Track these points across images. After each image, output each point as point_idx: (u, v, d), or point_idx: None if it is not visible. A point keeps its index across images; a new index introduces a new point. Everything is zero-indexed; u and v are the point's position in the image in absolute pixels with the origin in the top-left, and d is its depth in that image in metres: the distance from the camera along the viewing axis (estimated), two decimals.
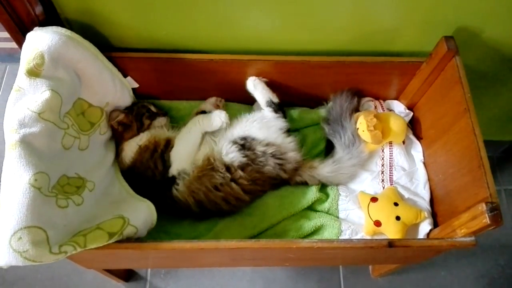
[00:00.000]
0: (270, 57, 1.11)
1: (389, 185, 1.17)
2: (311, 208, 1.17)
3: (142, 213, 1.00)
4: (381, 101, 1.27)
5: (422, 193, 1.14)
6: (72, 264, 1.00)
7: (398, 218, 1.07)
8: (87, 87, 1.04)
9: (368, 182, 1.18)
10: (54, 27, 0.97)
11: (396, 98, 1.27)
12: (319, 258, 1.09)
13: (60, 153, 0.94)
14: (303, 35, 1.11)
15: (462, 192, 0.99)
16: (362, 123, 1.15)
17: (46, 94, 0.91)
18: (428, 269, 1.52)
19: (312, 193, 1.16)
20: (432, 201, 1.13)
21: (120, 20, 1.05)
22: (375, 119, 1.13)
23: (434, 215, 1.11)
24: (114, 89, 1.10)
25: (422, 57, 1.11)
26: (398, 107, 1.26)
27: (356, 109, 1.23)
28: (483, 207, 0.85)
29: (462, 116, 0.99)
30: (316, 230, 1.12)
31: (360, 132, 1.16)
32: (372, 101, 1.26)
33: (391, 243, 0.92)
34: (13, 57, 1.77)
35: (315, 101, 1.24)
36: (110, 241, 0.88)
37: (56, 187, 0.89)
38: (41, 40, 0.94)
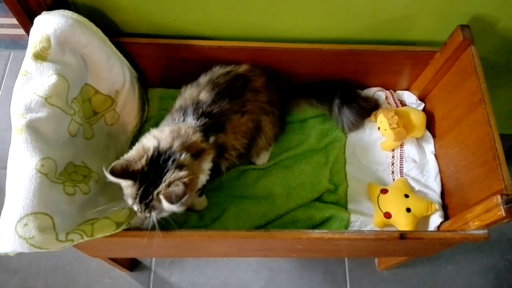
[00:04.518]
0: (280, 44, 1.09)
1: (399, 177, 1.15)
2: (320, 199, 1.15)
3: None
4: (392, 91, 1.24)
5: (433, 185, 1.12)
6: (76, 253, 0.98)
7: (408, 210, 1.05)
8: (94, 73, 1.01)
9: (377, 174, 1.17)
10: (61, 10, 0.94)
11: (407, 89, 1.25)
12: (327, 249, 1.08)
13: (67, 140, 0.92)
14: (315, 22, 1.08)
15: (475, 184, 0.97)
16: (383, 122, 1.13)
17: (53, 78, 0.89)
18: (435, 263, 1.50)
19: (321, 184, 1.14)
20: (443, 194, 1.11)
21: (129, 4, 1.02)
22: (396, 117, 1.11)
23: (445, 207, 1.09)
24: (123, 78, 1.07)
25: (436, 47, 1.09)
26: (410, 98, 1.24)
27: (372, 108, 1.21)
28: (498, 199, 0.83)
29: (477, 107, 0.97)
30: (324, 222, 1.10)
31: (382, 131, 1.14)
32: (383, 91, 1.24)
33: (402, 235, 0.90)
34: (17, 44, 1.75)
35: (323, 91, 1.21)
36: (117, 231, 0.86)
37: (64, 174, 0.87)
38: (47, 23, 0.91)
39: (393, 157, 1.18)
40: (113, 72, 1.04)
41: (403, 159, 1.17)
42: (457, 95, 1.06)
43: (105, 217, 0.87)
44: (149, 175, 0.83)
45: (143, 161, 0.84)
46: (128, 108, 1.13)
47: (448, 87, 1.10)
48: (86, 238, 0.82)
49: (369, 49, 1.10)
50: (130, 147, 0.90)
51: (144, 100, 1.21)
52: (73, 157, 0.93)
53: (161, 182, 0.82)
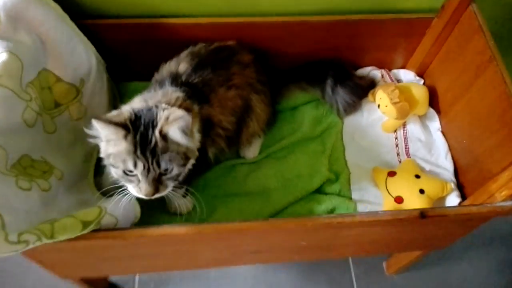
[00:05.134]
0: (265, 18, 0.98)
1: (406, 158, 1.03)
2: (320, 191, 1.02)
3: (121, 204, 0.83)
4: (387, 70, 1.15)
5: (444, 164, 1.01)
6: (39, 273, 0.82)
7: (422, 191, 0.93)
8: (53, 56, 0.88)
9: (381, 158, 1.05)
10: None
11: (403, 67, 1.15)
12: (334, 244, 0.94)
13: (21, 129, 0.77)
14: None
15: (494, 152, 0.86)
16: (383, 98, 1.02)
17: (3, 56, 0.75)
18: (447, 262, 1.37)
19: (320, 174, 1.02)
20: (456, 173, 1.00)
21: None
22: (397, 90, 1.01)
23: (460, 187, 0.98)
24: (88, 62, 0.94)
25: (432, 13, 1.00)
26: (407, 75, 1.14)
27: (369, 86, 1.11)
28: None
29: (487, 67, 0.87)
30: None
31: (382, 108, 1.03)
32: (378, 70, 1.14)
33: (423, 213, 0.77)
34: None
35: (314, 72, 1.10)
36: (84, 232, 0.71)
37: (16, 167, 0.73)
38: None
39: (396, 138, 1.07)
40: (75, 56, 0.91)
41: (408, 140, 1.06)
42: (461, 60, 0.96)
43: (69, 215, 0.72)
44: (139, 124, 0.70)
45: (127, 113, 0.71)
46: (96, 101, 0.99)
47: (449, 55, 1.01)
48: (44, 240, 0.66)
49: (361, 18, 1.01)
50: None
51: (115, 95, 1.07)
52: (30, 150, 0.78)
53: (157, 123, 0.70)
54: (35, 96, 0.82)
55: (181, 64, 0.88)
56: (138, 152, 0.69)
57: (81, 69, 0.93)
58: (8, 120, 0.74)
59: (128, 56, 1.03)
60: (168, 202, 0.94)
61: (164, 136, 0.70)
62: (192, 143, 0.73)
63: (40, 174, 0.78)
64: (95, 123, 0.68)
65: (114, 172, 0.74)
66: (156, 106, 0.73)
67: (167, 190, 0.75)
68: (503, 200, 0.79)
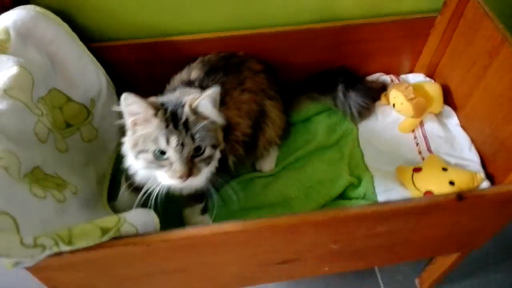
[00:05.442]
0: (270, 29, 1.00)
1: (428, 154, 1.00)
2: (344, 196, 0.98)
3: (140, 215, 0.79)
4: (396, 76, 1.14)
5: (469, 156, 0.97)
6: None
7: (452, 183, 0.89)
8: (63, 75, 0.88)
9: (403, 158, 1.01)
10: (22, 6, 0.84)
11: (411, 71, 1.15)
12: (366, 249, 0.88)
13: (34, 142, 0.75)
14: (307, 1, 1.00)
15: None
16: (398, 96, 1.01)
17: (14, 69, 0.74)
18: (481, 274, 1.29)
19: (342, 178, 0.98)
20: (483, 164, 0.96)
21: (100, 5, 0.93)
22: (411, 87, 1.00)
23: (489, 177, 0.93)
24: (98, 83, 0.94)
25: (434, 12, 1.02)
26: (417, 78, 1.13)
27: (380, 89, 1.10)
28: None
29: (499, 50, 0.87)
30: None
31: (398, 107, 1.02)
32: (386, 76, 1.14)
33: (461, 195, 0.73)
34: None
35: (324, 81, 1.10)
36: (104, 239, 0.66)
37: (29, 176, 0.69)
38: (6, 16, 0.80)
39: (415, 138, 1.04)
40: (85, 75, 0.91)
41: (427, 138, 1.03)
42: (471, 50, 0.96)
43: (87, 222, 0.67)
44: (167, 106, 0.70)
45: (153, 99, 0.71)
46: (107, 123, 0.97)
47: (458, 49, 1.01)
48: (62, 246, 0.61)
49: (362, 23, 1.02)
50: (114, 168, 0.75)
51: None
52: (42, 164, 0.75)
53: (184, 103, 0.69)
54: (46, 113, 0.81)
55: (192, 72, 0.88)
56: (171, 127, 0.67)
57: (92, 90, 0.93)
58: (21, 133, 0.72)
59: (136, 77, 1.03)
60: (186, 220, 0.90)
61: (194, 110, 0.68)
62: (221, 117, 0.71)
63: (54, 186, 0.74)
64: (126, 95, 0.66)
65: (144, 159, 0.70)
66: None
67: (200, 175, 0.72)
68: None
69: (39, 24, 0.82)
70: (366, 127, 1.08)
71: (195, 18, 0.99)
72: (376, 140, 1.06)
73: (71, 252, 0.65)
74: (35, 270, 0.70)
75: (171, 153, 0.68)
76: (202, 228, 0.69)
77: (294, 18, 1.02)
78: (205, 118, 0.70)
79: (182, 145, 0.67)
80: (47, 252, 0.60)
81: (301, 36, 1.01)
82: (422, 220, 0.80)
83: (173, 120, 0.68)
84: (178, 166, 0.68)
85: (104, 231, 0.67)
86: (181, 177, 0.69)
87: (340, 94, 1.05)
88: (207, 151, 0.71)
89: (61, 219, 0.70)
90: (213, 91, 0.68)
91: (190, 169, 0.69)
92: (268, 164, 1.02)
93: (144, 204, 0.79)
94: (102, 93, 0.95)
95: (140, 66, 1.01)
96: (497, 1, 1.03)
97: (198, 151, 0.70)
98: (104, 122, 0.97)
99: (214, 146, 0.72)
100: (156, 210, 0.85)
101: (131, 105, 0.67)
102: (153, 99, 0.72)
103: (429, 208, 0.74)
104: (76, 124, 0.91)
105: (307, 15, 1.02)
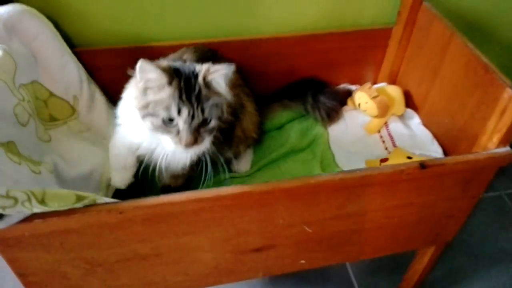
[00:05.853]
0: (243, 37, 1.07)
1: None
2: None
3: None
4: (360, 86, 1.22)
5: (433, 149, 1.03)
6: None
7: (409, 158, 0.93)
8: (45, 70, 0.91)
9: (371, 156, 1.06)
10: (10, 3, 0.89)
11: (375, 82, 1.24)
12: (341, 233, 0.89)
13: (12, 121, 0.76)
14: (275, 14, 1.09)
15: (476, 112, 0.89)
16: (362, 97, 1.09)
17: None
18: (463, 282, 1.29)
19: (315, 174, 1.01)
20: (446, 155, 1.02)
21: (85, 12, 0.99)
22: (373, 88, 1.08)
23: None
24: (79, 80, 0.97)
25: (389, 25, 1.12)
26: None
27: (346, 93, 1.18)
28: (509, 92, 0.76)
29: (450, 42, 0.96)
30: None
31: (363, 106, 1.09)
32: (352, 86, 1.22)
33: (423, 163, 0.77)
34: None
35: (294, 90, 1.16)
36: (77, 205, 0.67)
37: (4, 145, 0.70)
38: None
39: (381, 137, 1.10)
40: (67, 71, 0.95)
41: (392, 136, 1.09)
42: (426, 49, 1.05)
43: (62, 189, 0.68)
44: (180, 73, 0.71)
45: (166, 62, 0.74)
46: (95, 116, 1.00)
47: (414, 52, 1.10)
48: (35, 203, 0.61)
49: (328, 32, 1.11)
50: None
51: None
52: (18, 143, 0.76)
53: (198, 73, 0.71)
54: (28, 100, 0.83)
55: (184, 54, 0.93)
56: (184, 98, 0.69)
57: (73, 86, 0.96)
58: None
59: (120, 84, 1.07)
60: None
61: (207, 84, 0.71)
62: (230, 95, 0.75)
63: (29, 161, 0.75)
64: (142, 63, 0.68)
65: (151, 122, 0.73)
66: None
67: (203, 144, 0.75)
68: (497, 147, 0.81)
69: (25, 19, 0.87)
70: (336, 130, 1.14)
71: (175, 25, 1.06)
72: (345, 142, 1.11)
73: (43, 218, 0.65)
74: (3, 246, 0.69)
75: (180, 122, 0.71)
76: (175, 195, 0.70)
77: (265, 28, 1.11)
78: (216, 93, 0.73)
79: (192, 117, 0.71)
80: (19, 208, 0.60)
81: (270, 45, 1.09)
82: (389, 196, 0.83)
83: (186, 90, 0.70)
84: (185, 135, 0.71)
85: (79, 198, 0.67)
86: (186, 145, 0.72)
87: (309, 99, 1.12)
88: (213, 123, 0.74)
89: (36, 187, 0.70)
90: (228, 70, 0.71)
91: (196, 138, 0.72)
92: (243, 165, 1.05)
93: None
94: (83, 90, 0.98)
95: (122, 72, 1.06)
96: (445, 5, 1.15)
97: (204, 122, 0.73)
98: (92, 115, 1.00)
99: (219, 118, 0.76)
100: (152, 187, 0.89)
101: (146, 72, 0.70)
102: (166, 63, 0.75)
103: (394, 175, 0.77)
104: (62, 119, 0.93)
105: (278, 26, 1.11)
